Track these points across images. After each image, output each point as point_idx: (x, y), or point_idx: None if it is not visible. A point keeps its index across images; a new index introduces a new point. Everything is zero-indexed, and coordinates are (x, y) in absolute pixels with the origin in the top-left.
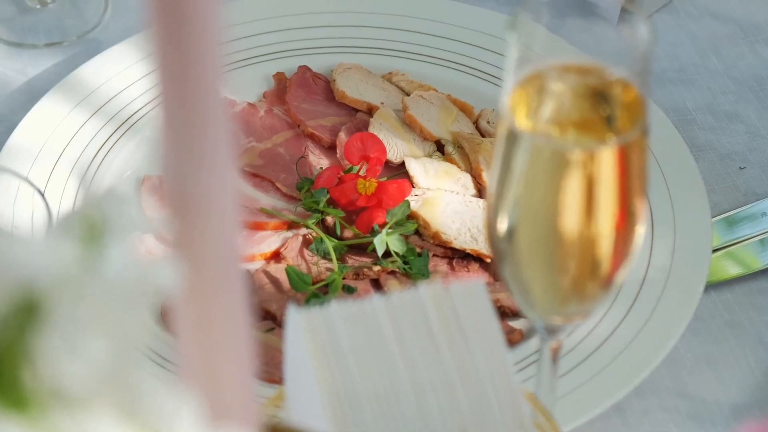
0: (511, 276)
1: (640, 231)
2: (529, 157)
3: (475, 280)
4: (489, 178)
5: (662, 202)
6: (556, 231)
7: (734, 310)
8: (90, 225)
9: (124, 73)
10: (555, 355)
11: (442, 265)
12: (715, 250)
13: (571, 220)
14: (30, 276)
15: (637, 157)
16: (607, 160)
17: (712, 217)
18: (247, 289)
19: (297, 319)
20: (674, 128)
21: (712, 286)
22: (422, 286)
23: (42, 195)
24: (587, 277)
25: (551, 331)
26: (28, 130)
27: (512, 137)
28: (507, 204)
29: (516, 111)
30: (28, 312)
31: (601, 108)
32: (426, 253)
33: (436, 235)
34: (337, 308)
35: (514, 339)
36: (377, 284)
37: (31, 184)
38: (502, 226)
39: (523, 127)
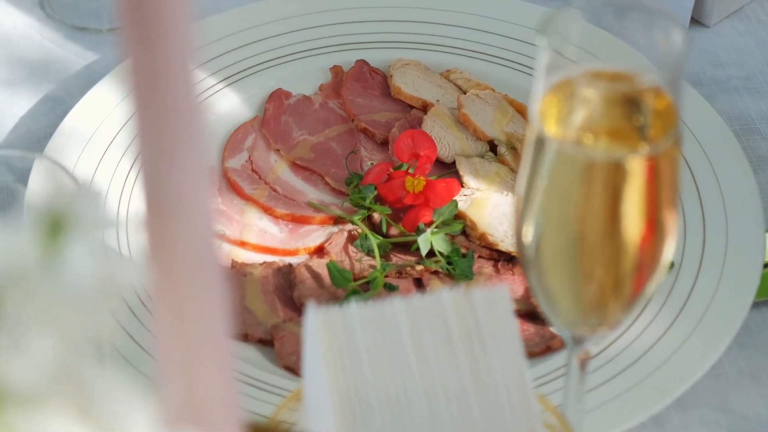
0: (536, 283)
1: (669, 244)
2: (555, 164)
3: (498, 287)
4: (518, 183)
5: (716, 211)
6: (580, 240)
7: None
8: (55, 220)
9: None
10: (583, 365)
11: (487, 267)
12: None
13: (595, 230)
14: None
15: (667, 167)
16: (634, 170)
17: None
18: (225, 290)
19: (315, 318)
20: (734, 137)
21: (763, 301)
22: (445, 291)
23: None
24: (611, 289)
25: (578, 340)
26: (81, 115)
27: (540, 143)
28: (533, 211)
29: (545, 117)
30: None
31: (632, 116)
32: (471, 254)
33: (482, 237)
34: (356, 309)
35: (554, 345)
36: (420, 283)
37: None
38: (528, 232)
39: (551, 133)
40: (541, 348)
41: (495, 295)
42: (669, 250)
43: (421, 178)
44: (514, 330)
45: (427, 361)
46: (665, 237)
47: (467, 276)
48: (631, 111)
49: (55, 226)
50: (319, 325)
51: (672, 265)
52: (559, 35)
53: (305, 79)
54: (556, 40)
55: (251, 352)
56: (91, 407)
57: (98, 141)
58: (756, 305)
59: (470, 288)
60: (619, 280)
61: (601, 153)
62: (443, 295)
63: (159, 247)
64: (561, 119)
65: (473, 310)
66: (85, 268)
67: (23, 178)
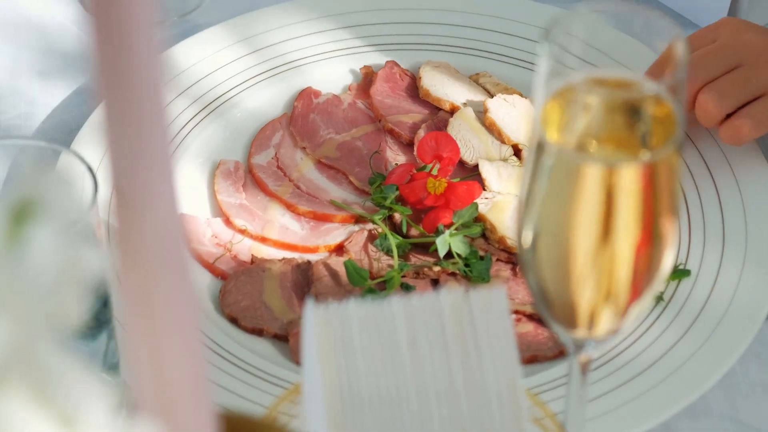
0: (535, 287)
1: (669, 252)
2: (554, 170)
3: (496, 289)
4: (519, 188)
5: (736, 221)
6: (575, 246)
7: None
8: (24, 207)
9: (212, 57)
10: (584, 369)
11: (505, 270)
12: None
13: (591, 236)
14: None
15: (666, 175)
16: (631, 177)
17: None
18: (192, 279)
19: (314, 314)
20: (759, 149)
21: None
22: (443, 292)
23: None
24: (609, 295)
25: (578, 345)
26: None
27: (540, 148)
28: (532, 215)
29: (546, 123)
30: None
31: (633, 123)
32: (489, 257)
33: (501, 240)
34: (354, 307)
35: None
36: (437, 284)
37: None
38: (526, 236)
39: (551, 138)
40: (554, 352)
41: (492, 298)
42: (668, 258)
43: (443, 179)
44: (509, 332)
45: (421, 361)
46: (663, 244)
47: (484, 278)
48: (632, 118)
49: (23, 212)
50: (317, 321)
51: (689, 273)
52: (561, 41)
53: (336, 79)
54: (558, 46)
55: (266, 346)
56: (47, 390)
57: None
58: None
59: (469, 290)
60: (616, 286)
61: (600, 159)
62: (441, 296)
63: (126, 235)
64: (562, 125)
65: (470, 312)
66: (48, 253)
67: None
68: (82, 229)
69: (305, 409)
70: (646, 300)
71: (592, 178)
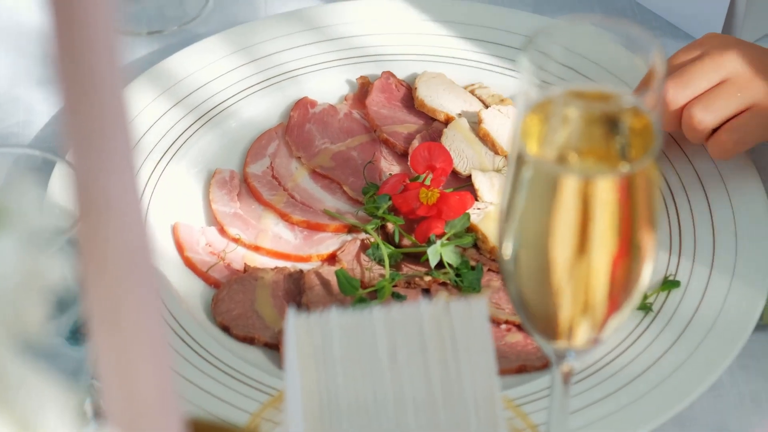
0: (514, 297)
1: (647, 264)
2: (533, 181)
3: (477, 300)
4: (500, 199)
5: (726, 232)
6: (553, 258)
7: None
8: None
9: (210, 66)
10: (566, 379)
11: (496, 281)
12: None
13: (568, 248)
14: None
15: (644, 187)
16: (607, 189)
17: None
18: (158, 289)
19: (295, 323)
20: (750, 162)
21: None
22: (424, 303)
23: None
24: (585, 307)
25: (559, 355)
26: None
27: (520, 160)
28: (511, 226)
29: (526, 135)
30: None
31: (612, 136)
32: (480, 267)
33: (493, 250)
34: (336, 316)
35: None
36: (428, 294)
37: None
38: (506, 247)
39: (530, 151)
40: (542, 362)
41: (472, 308)
42: (647, 270)
43: (436, 190)
44: (488, 343)
45: (400, 370)
46: (642, 257)
47: (475, 288)
48: (611, 130)
49: None
50: (298, 329)
51: (678, 284)
52: (541, 54)
53: (332, 89)
54: (538, 59)
55: (257, 355)
56: (6, 396)
57: None
58: (762, 328)
59: (449, 301)
60: (594, 298)
61: (576, 171)
62: (422, 307)
63: (91, 246)
64: (541, 138)
65: (450, 323)
66: (9, 262)
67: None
68: (46, 237)
69: (286, 415)
70: (626, 311)
71: (568, 189)
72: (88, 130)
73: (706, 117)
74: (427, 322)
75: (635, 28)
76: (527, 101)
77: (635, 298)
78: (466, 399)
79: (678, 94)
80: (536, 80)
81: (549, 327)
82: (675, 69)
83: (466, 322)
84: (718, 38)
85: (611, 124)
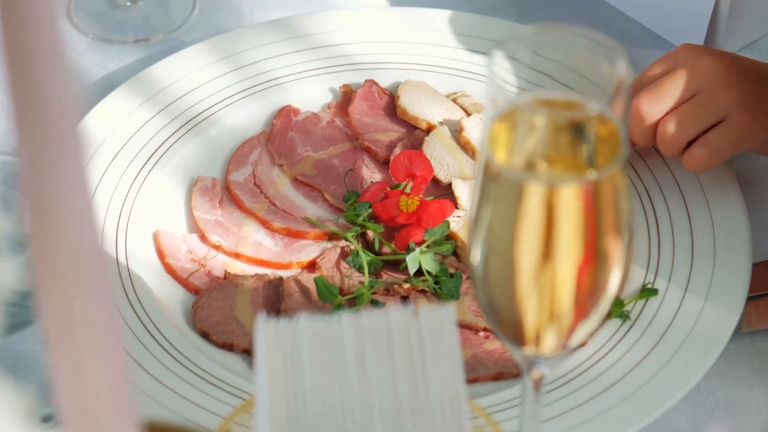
0: (483, 303)
1: (614, 272)
2: (498, 189)
3: (445, 306)
4: (470, 206)
5: (705, 241)
6: (519, 265)
7: (766, 357)
8: None
9: (194, 74)
10: (537, 386)
11: None
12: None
13: (534, 255)
14: None
15: (610, 195)
16: (572, 197)
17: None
18: (112, 294)
19: (264, 329)
20: (731, 171)
21: (748, 332)
22: (393, 309)
23: None
24: (551, 315)
25: (529, 362)
26: (94, 122)
27: (487, 168)
28: (479, 233)
29: (493, 143)
30: None
31: (578, 143)
32: (459, 274)
33: None
34: (305, 323)
35: None
36: (407, 301)
37: None
38: (475, 253)
39: (497, 158)
40: (519, 369)
41: (441, 315)
42: (614, 278)
43: (416, 198)
44: (456, 350)
45: (367, 376)
46: (609, 264)
47: (453, 296)
48: (577, 138)
49: None
50: (267, 336)
51: (656, 291)
52: (508, 62)
53: (316, 97)
54: (505, 67)
55: (236, 361)
56: None
57: (107, 149)
58: (739, 336)
59: (418, 307)
60: (560, 305)
61: (541, 178)
62: (391, 314)
63: (43, 252)
64: (508, 145)
65: (418, 329)
66: None
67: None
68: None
69: (255, 421)
70: (594, 319)
71: (533, 197)
72: (36, 135)
73: (680, 132)
74: (396, 328)
75: (603, 37)
76: (495, 109)
77: (603, 306)
78: (433, 405)
79: (652, 109)
80: (504, 88)
81: (516, 333)
82: (649, 81)
83: (435, 329)
84: (692, 49)
85: (578, 131)
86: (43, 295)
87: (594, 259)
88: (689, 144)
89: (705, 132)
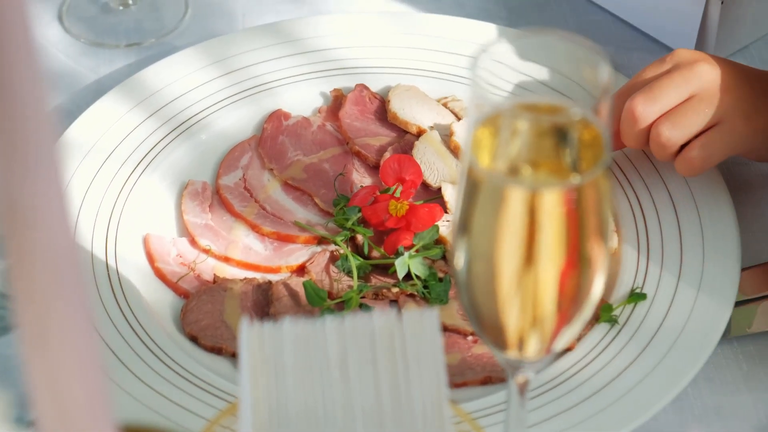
0: (466, 307)
1: (598, 277)
2: (481, 193)
3: (428, 310)
4: (453, 211)
5: (694, 247)
6: (501, 270)
7: (754, 362)
8: None
9: (185, 78)
10: (522, 390)
11: None
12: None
13: (516, 260)
14: None
15: (593, 199)
16: (554, 202)
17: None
18: (88, 298)
19: (248, 333)
20: (720, 176)
21: (737, 337)
22: (377, 314)
23: None
24: (533, 319)
25: (513, 366)
26: (85, 126)
27: (470, 173)
28: (462, 237)
29: (477, 148)
30: None
31: (561, 147)
32: (447, 279)
33: None
34: (289, 326)
35: None
36: (396, 306)
37: None
38: (458, 257)
39: (480, 163)
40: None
41: (424, 319)
42: (597, 283)
43: (405, 202)
44: (439, 354)
45: (350, 380)
46: (591, 269)
47: (442, 300)
48: (560, 143)
49: None
50: (250, 339)
51: (644, 296)
52: (491, 68)
53: (307, 101)
54: (488, 73)
55: (224, 365)
56: None
57: (98, 153)
58: (728, 341)
59: (402, 312)
60: (543, 310)
61: (523, 183)
62: (374, 317)
63: (19, 257)
64: (491, 150)
65: (401, 333)
66: None
67: None
68: None
69: (238, 424)
70: (577, 324)
71: (516, 201)
72: (11, 142)
73: (674, 134)
74: (379, 332)
75: (587, 42)
76: (478, 113)
77: (586, 311)
78: (414, 409)
79: (647, 110)
80: (488, 92)
81: (500, 337)
82: (644, 84)
83: (418, 333)
84: (688, 53)
85: (561, 136)
86: (19, 300)
87: (577, 264)
88: (681, 148)
89: (698, 136)
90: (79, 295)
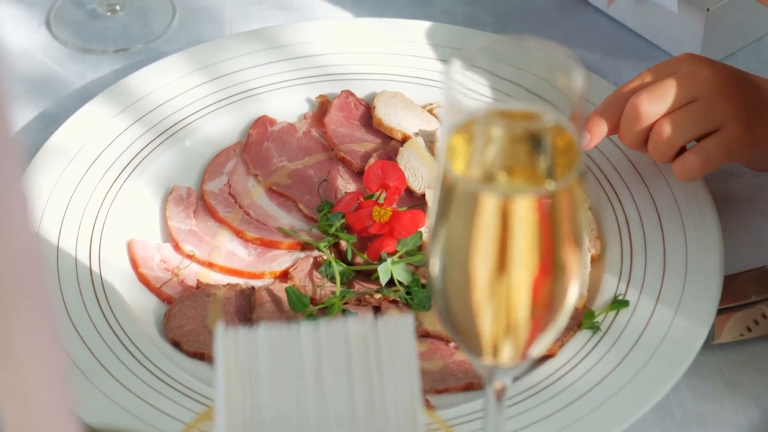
0: (442, 313)
1: (572, 284)
2: (455, 200)
3: (403, 317)
4: (428, 217)
5: (677, 255)
6: (475, 276)
7: (736, 370)
8: None
9: (171, 84)
10: (499, 397)
11: None
12: (748, 305)
13: (489, 267)
14: None
15: (566, 206)
16: (526, 208)
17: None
18: (51, 303)
19: (223, 339)
20: (705, 185)
21: (719, 345)
22: (351, 320)
23: None
24: (507, 326)
25: (489, 372)
26: (70, 131)
27: (445, 179)
28: (437, 244)
29: (451, 154)
30: None
31: (535, 154)
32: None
33: None
34: (264, 332)
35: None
36: (379, 311)
37: None
38: (433, 264)
39: (454, 169)
40: None
41: (399, 326)
42: (572, 290)
43: (388, 208)
44: (413, 360)
45: (324, 386)
46: (565, 276)
47: (425, 306)
48: (533, 149)
49: None
50: (225, 345)
51: (627, 303)
52: (465, 74)
53: (292, 107)
54: (463, 78)
55: (207, 371)
56: None
57: (83, 158)
58: (710, 348)
59: (377, 318)
60: (516, 317)
61: (495, 189)
62: (349, 323)
63: None
64: (465, 157)
65: (376, 339)
66: None
67: None
68: None
69: (214, 429)
70: (551, 331)
71: (488, 208)
72: None
73: (675, 135)
74: (354, 338)
75: (561, 49)
76: (452, 119)
77: (561, 318)
78: (388, 414)
79: (651, 108)
80: (462, 98)
81: (474, 344)
82: (647, 85)
83: (393, 339)
84: (693, 58)
85: (535, 143)
86: None
87: (551, 270)
88: (679, 153)
89: (697, 141)
90: (42, 303)
